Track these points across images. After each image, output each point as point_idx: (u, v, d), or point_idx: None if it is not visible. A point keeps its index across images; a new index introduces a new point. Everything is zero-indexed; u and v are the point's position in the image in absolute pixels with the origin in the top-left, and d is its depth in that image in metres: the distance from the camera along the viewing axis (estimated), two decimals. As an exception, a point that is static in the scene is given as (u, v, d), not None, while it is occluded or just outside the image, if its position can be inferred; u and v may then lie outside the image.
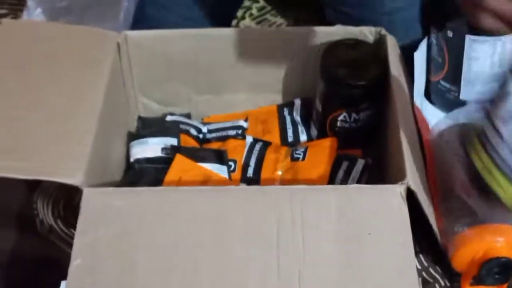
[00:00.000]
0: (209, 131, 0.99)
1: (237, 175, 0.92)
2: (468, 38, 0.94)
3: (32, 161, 0.73)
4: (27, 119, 0.78)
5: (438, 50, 1.00)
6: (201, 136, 0.98)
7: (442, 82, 1.02)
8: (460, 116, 0.89)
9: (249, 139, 0.96)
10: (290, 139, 0.98)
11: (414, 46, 0.96)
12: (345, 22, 0.96)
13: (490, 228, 0.75)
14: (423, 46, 0.99)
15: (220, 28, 0.97)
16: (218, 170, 0.90)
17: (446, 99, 1.03)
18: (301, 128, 0.99)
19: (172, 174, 0.87)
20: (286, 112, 1.01)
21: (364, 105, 0.91)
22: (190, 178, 0.87)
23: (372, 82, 0.88)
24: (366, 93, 0.90)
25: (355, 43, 0.92)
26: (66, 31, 0.89)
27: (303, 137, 0.98)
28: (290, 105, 1.01)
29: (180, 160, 0.89)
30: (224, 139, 0.97)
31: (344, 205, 0.68)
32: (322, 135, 0.96)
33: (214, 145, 0.97)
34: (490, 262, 0.74)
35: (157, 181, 0.89)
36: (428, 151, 0.87)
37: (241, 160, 0.93)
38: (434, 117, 1.00)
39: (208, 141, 0.98)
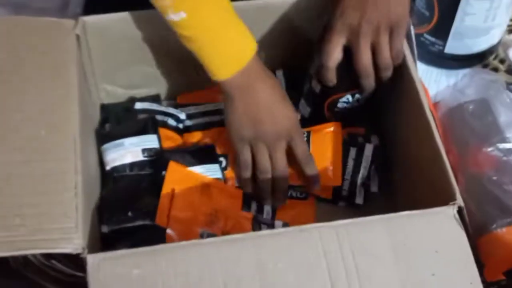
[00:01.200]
0: (189, 117, 0.80)
1: (230, 172, 0.75)
2: (467, -7, 0.81)
3: (13, 225, 0.54)
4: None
5: (426, 2, 0.85)
6: (180, 125, 0.79)
7: (426, 35, 0.89)
8: (468, 91, 0.76)
9: (237, 126, 0.78)
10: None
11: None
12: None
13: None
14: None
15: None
16: (211, 171, 0.73)
17: (429, 51, 0.90)
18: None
19: (167, 186, 0.69)
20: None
21: None
22: (189, 192, 0.69)
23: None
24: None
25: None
26: (16, 25, 0.65)
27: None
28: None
29: (174, 169, 0.70)
30: (207, 126, 0.79)
31: (399, 243, 0.55)
32: (316, 114, 0.79)
33: (196, 136, 0.79)
34: None
35: (144, 191, 0.72)
36: (442, 132, 0.75)
37: (233, 155, 0.76)
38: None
39: (188, 129, 0.80)
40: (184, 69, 0.80)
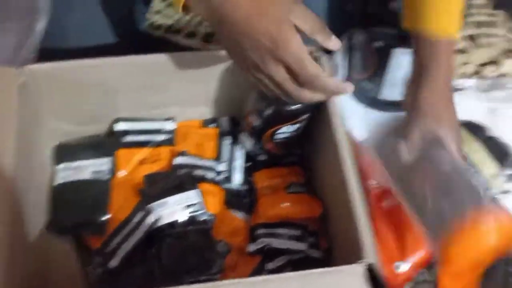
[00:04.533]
0: (128, 133, 0.77)
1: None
2: (398, 50, 0.79)
3: None
4: None
5: (364, 54, 0.84)
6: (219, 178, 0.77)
7: (365, 82, 0.87)
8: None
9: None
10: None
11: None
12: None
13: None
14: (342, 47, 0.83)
15: (137, 55, 0.72)
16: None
17: (367, 96, 0.90)
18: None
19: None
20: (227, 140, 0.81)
21: (306, 115, 0.73)
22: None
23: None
24: (307, 106, 0.71)
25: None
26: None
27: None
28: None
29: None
30: (152, 145, 0.78)
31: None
32: (259, 146, 0.77)
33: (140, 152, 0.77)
34: None
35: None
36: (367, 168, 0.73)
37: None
38: (354, 110, 0.89)
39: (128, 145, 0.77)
40: (139, 109, 0.79)
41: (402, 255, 0.70)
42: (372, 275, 0.56)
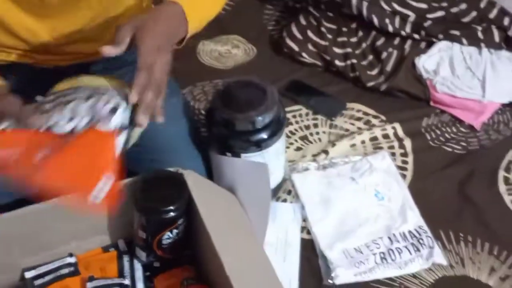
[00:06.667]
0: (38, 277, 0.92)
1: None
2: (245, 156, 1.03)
3: None
4: None
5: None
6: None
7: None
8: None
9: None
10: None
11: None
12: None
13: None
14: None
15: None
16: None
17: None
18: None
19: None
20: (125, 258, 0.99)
21: (181, 220, 0.93)
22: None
23: (183, 203, 0.92)
24: (181, 212, 0.92)
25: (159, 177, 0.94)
26: None
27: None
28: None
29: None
30: (59, 278, 0.92)
31: None
32: (151, 255, 0.96)
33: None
34: None
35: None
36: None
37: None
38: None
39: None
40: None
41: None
42: None
